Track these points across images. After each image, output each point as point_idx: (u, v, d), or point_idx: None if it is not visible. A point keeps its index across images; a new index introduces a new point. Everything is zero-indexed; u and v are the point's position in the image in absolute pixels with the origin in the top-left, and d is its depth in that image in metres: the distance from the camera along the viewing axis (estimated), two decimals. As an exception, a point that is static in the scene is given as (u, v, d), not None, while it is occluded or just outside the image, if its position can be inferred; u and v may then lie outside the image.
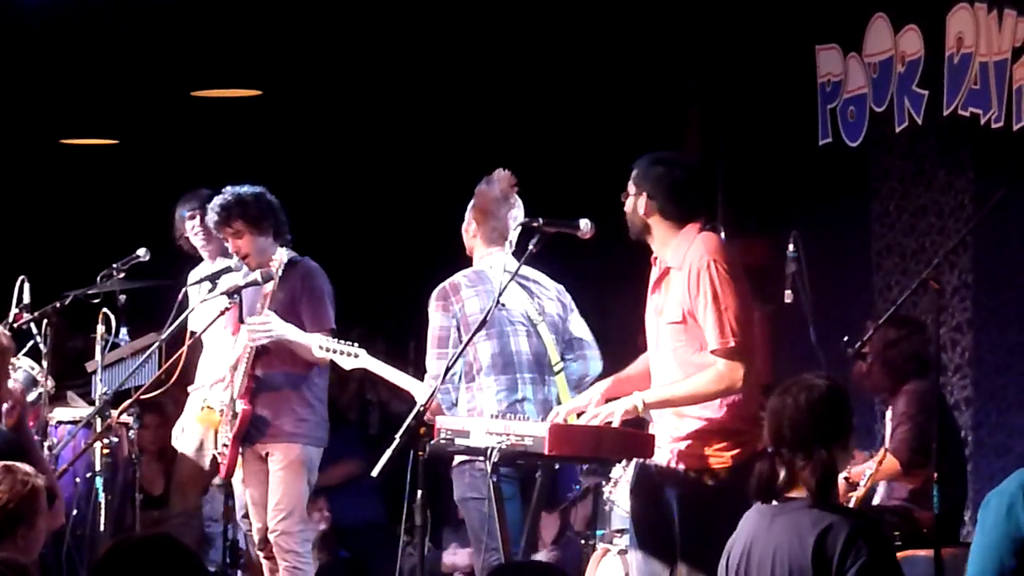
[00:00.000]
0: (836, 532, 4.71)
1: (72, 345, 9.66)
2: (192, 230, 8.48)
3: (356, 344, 7.19)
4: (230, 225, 7.74)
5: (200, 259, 8.66)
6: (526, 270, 6.58)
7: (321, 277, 7.77)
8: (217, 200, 7.79)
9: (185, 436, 8.44)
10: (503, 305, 6.58)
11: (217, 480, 8.50)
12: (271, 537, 7.70)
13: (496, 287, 6.52)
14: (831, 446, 4.84)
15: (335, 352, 7.20)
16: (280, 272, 7.60)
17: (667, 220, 5.92)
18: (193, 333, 7.90)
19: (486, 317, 6.17)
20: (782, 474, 4.85)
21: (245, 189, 7.80)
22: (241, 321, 7.77)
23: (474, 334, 6.26)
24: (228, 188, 7.82)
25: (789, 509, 4.83)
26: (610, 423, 5.81)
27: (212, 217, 7.80)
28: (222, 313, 7.70)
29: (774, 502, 4.87)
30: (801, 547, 4.73)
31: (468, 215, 6.87)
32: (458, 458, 6.53)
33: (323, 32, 10.09)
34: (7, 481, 5.05)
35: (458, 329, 6.62)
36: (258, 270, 7.64)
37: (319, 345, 7.26)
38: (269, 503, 7.70)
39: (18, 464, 5.19)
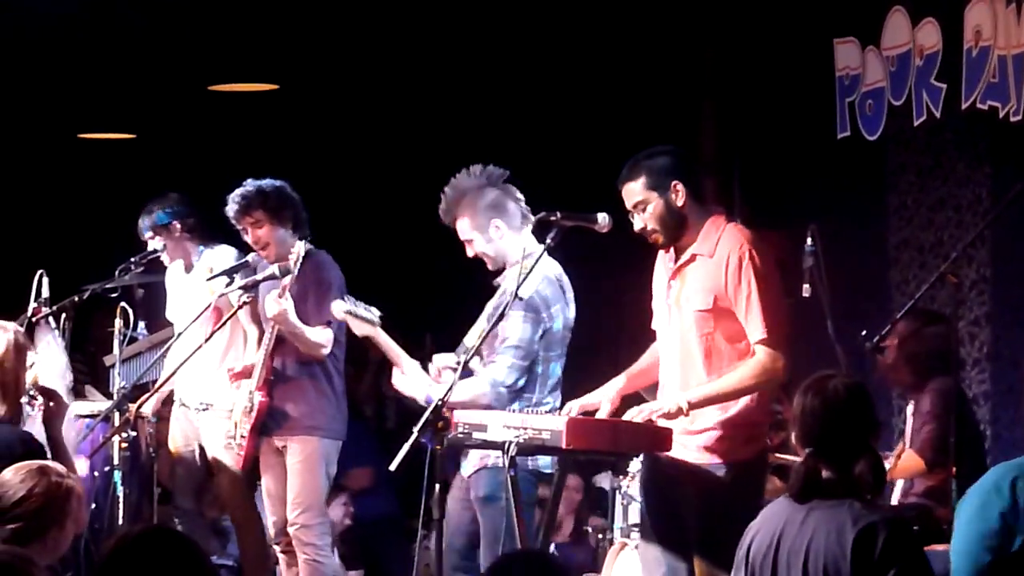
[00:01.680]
0: (879, 531, 4.68)
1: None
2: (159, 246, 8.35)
3: (380, 315, 6.70)
4: (250, 215, 7.74)
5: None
6: (563, 275, 6.54)
7: (331, 270, 7.73)
8: (238, 191, 7.79)
9: (172, 434, 8.38)
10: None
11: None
12: (291, 530, 7.70)
13: (567, 293, 6.49)
14: (868, 441, 4.83)
15: (355, 315, 6.65)
16: (298, 265, 7.58)
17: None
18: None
19: (501, 311, 6.11)
20: (826, 473, 4.81)
21: (267, 181, 7.80)
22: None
23: (488, 327, 6.19)
24: (249, 181, 7.83)
25: (828, 504, 4.79)
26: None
27: (232, 207, 7.78)
28: (240, 307, 7.70)
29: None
30: (839, 543, 4.70)
31: (479, 226, 6.59)
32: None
33: (340, 26, 10.08)
34: (42, 483, 4.91)
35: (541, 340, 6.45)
36: (276, 264, 7.63)
37: (343, 310, 6.70)
38: (288, 496, 7.70)
39: (51, 464, 5.08)
